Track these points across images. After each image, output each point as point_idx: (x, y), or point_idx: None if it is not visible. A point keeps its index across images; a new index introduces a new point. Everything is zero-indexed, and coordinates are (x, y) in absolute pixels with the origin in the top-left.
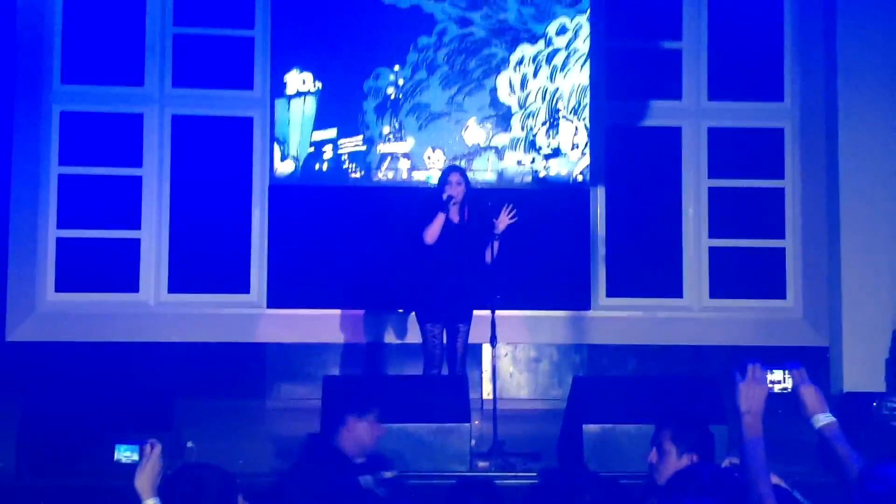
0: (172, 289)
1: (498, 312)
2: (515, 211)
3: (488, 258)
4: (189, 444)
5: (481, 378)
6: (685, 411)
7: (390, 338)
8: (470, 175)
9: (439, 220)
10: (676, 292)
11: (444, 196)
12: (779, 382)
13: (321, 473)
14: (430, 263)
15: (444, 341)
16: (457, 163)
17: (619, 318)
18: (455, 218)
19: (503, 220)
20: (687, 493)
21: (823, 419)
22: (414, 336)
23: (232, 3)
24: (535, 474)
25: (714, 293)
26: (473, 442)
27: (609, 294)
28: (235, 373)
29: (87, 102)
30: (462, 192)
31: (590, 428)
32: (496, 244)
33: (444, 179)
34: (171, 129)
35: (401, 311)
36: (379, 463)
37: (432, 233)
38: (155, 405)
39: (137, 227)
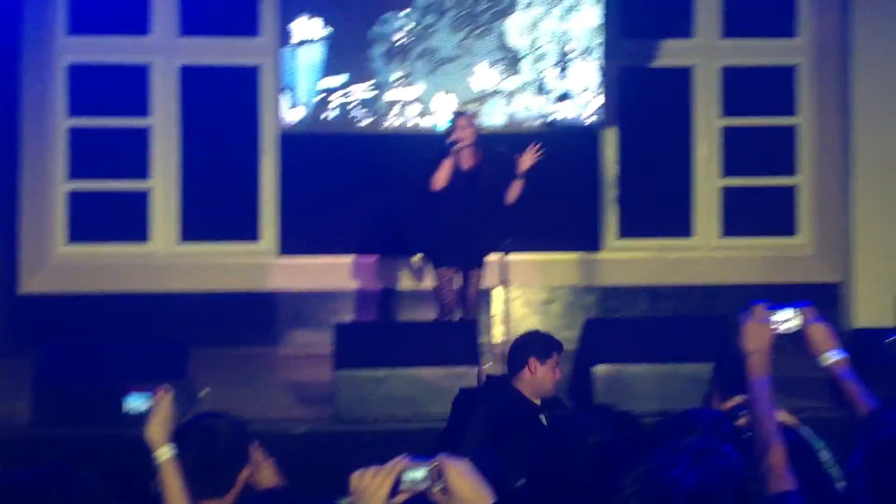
0: (184, 238)
1: (509, 255)
2: (542, 149)
3: (511, 198)
4: (202, 393)
5: (493, 321)
6: (732, 355)
7: (403, 284)
8: (480, 120)
9: (447, 165)
10: (688, 232)
11: (452, 139)
12: (786, 321)
13: (506, 415)
14: (441, 209)
15: (457, 286)
16: (467, 107)
17: (630, 259)
18: (465, 164)
19: (528, 159)
20: (685, 435)
21: (833, 356)
22: (427, 282)
23: None
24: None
25: (726, 232)
26: None
27: (621, 235)
28: (248, 321)
29: (94, 53)
30: (471, 135)
31: (599, 368)
32: (519, 183)
33: (452, 124)
34: (179, 78)
35: (415, 258)
36: (553, 404)
37: (440, 178)
38: (168, 353)
39: (147, 177)
